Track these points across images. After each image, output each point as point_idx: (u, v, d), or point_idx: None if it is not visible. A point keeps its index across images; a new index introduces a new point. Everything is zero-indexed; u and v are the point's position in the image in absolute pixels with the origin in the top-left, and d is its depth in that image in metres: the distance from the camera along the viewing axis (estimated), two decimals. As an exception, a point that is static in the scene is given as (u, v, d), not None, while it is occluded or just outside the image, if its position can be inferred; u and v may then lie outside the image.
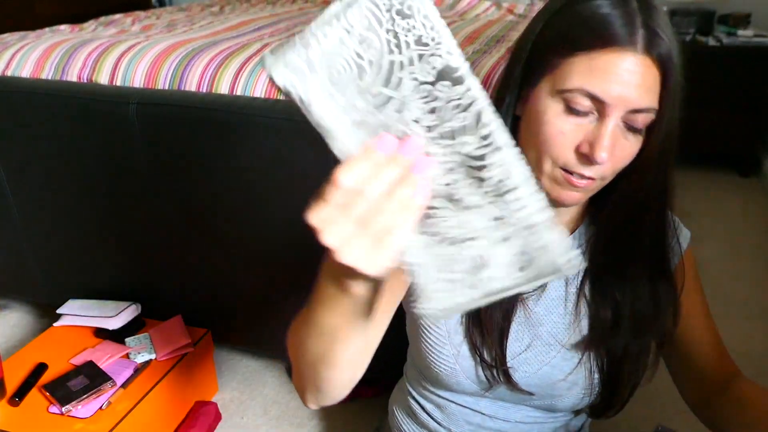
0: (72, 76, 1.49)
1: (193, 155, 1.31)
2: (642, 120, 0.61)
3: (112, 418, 1.23)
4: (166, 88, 1.41)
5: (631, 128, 0.62)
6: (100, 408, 1.25)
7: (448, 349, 0.76)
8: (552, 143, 0.63)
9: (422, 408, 0.88)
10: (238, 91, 1.35)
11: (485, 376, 0.75)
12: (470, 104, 0.41)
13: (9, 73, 1.54)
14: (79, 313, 1.53)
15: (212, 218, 1.37)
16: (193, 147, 1.30)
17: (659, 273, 0.73)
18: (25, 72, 1.53)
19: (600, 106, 0.60)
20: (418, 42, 0.40)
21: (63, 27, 1.99)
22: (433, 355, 0.78)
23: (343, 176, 0.38)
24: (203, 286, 1.49)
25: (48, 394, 1.27)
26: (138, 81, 1.43)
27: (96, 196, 1.45)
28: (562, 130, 0.62)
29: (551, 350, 0.76)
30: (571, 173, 0.64)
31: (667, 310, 0.74)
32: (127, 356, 1.40)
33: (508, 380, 0.74)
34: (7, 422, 1.23)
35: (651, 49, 0.58)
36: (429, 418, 0.86)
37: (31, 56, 1.54)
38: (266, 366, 1.66)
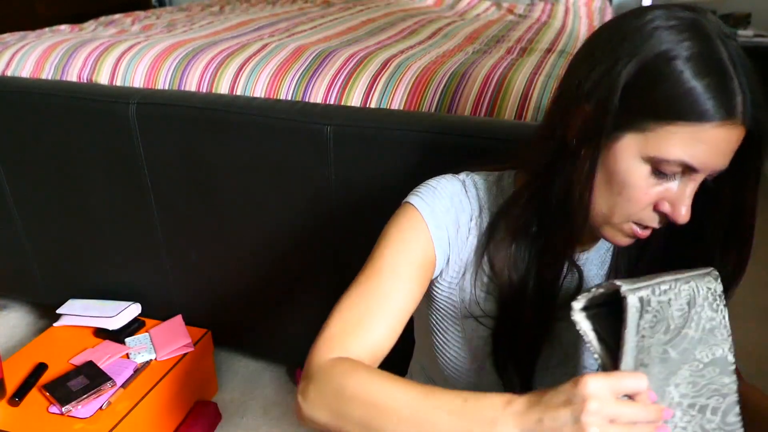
0: (72, 76, 1.49)
1: (193, 155, 1.31)
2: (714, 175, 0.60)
3: (112, 418, 1.23)
4: (166, 88, 1.41)
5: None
6: (100, 408, 1.25)
7: (469, 364, 0.76)
8: (633, 203, 0.60)
9: None
10: (238, 91, 1.35)
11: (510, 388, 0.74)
12: (727, 395, 0.57)
13: (9, 73, 1.54)
14: (79, 313, 1.53)
15: (212, 218, 1.37)
16: (193, 147, 1.30)
17: None
18: (25, 72, 1.53)
19: (690, 170, 0.58)
20: (711, 330, 0.56)
21: (63, 27, 1.99)
22: (451, 368, 0.78)
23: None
24: (203, 286, 1.49)
25: (48, 394, 1.27)
26: (138, 81, 1.43)
27: (96, 196, 1.45)
28: (647, 192, 0.60)
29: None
30: (642, 228, 0.63)
31: None
32: (127, 356, 1.40)
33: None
34: (7, 422, 1.23)
35: (747, 117, 0.57)
36: None
37: (31, 56, 1.54)
38: (266, 366, 1.66)
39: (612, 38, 0.60)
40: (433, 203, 0.70)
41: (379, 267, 0.68)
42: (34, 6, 3.00)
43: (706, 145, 0.56)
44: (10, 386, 1.32)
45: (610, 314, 0.55)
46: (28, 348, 1.46)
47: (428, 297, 0.77)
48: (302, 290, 1.37)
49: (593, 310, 0.56)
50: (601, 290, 0.54)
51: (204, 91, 1.37)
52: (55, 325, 1.54)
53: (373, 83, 1.26)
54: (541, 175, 0.65)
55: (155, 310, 1.56)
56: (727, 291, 0.62)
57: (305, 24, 1.88)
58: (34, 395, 1.30)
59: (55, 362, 1.40)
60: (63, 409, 1.23)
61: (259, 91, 1.33)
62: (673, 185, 0.60)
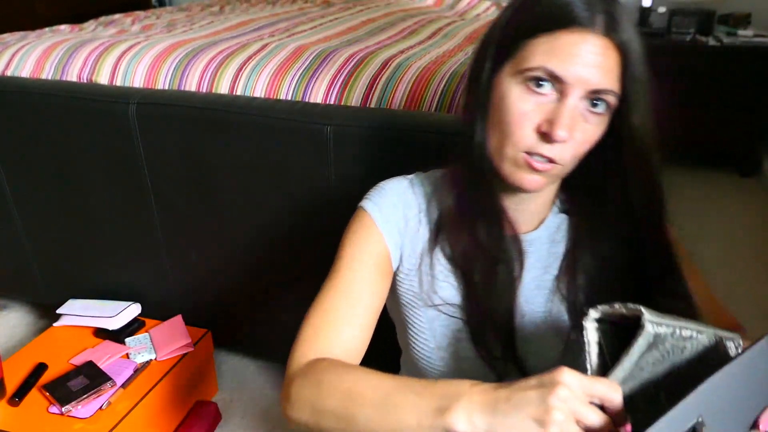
0: (72, 76, 1.49)
1: (193, 155, 1.31)
2: (603, 103, 0.63)
3: (112, 418, 1.23)
4: (166, 88, 1.41)
5: (591, 110, 0.63)
6: (100, 408, 1.25)
7: (440, 353, 0.77)
8: (514, 125, 0.64)
9: None
10: (238, 91, 1.35)
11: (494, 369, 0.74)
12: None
13: (9, 73, 1.54)
14: (79, 313, 1.53)
15: (212, 218, 1.37)
16: (193, 147, 1.30)
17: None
18: (25, 72, 1.53)
19: (560, 86, 0.61)
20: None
21: (63, 27, 1.99)
22: (426, 363, 0.79)
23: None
24: (203, 286, 1.49)
25: (48, 394, 1.27)
26: (138, 81, 1.43)
27: (96, 196, 1.45)
28: (524, 111, 0.63)
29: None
30: (531, 155, 0.64)
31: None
32: (127, 356, 1.40)
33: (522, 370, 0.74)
34: (7, 422, 1.23)
35: (611, 32, 0.61)
36: None
37: (31, 56, 1.54)
38: (266, 366, 1.66)
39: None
40: (380, 202, 0.76)
41: (341, 272, 0.72)
42: (34, 6, 3.00)
43: (564, 51, 0.60)
44: (10, 386, 1.32)
45: (618, 336, 0.54)
46: (28, 348, 1.46)
47: (393, 292, 0.79)
48: (302, 290, 1.37)
49: (605, 325, 0.55)
50: (622, 310, 0.53)
51: (204, 91, 1.37)
52: (55, 325, 1.54)
53: (373, 83, 1.26)
54: (461, 149, 0.71)
55: (155, 310, 1.56)
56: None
57: (305, 24, 1.88)
58: (34, 395, 1.30)
59: (55, 362, 1.40)
60: (63, 409, 1.23)
61: (259, 91, 1.33)
62: (550, 104, 0.63)
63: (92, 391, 1.26)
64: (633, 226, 0.70)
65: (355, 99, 1.26)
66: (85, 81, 1.48)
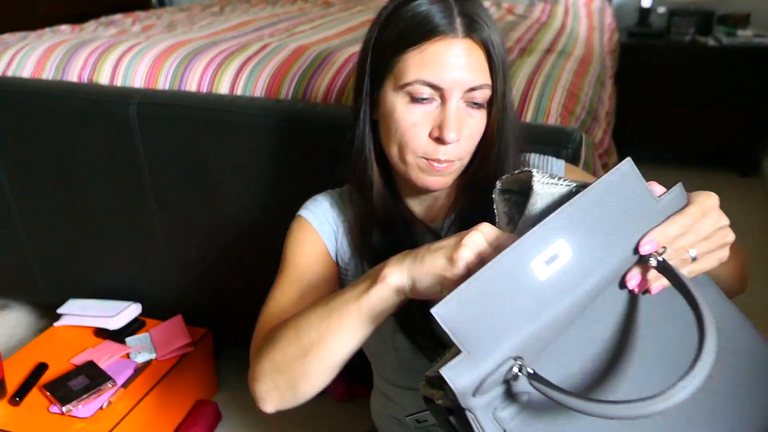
0: (72, 77, 1.49)
1: (193, 155, 1.31)
2: (480, 97, 0.68)
3: (112, 418, 1.23)
4: (166, 88, 1.41)
5: (472, 105, 0.69)
6: (101, 408, 1.25)
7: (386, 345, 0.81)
8: (408, 135, 0.69)
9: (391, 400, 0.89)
10: (238, 91, 1.35)
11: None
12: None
13: (9, 73, 1.54)
14: (79, 313, 1.53)
15: (212, 218, 1.37)
16: (194, 147, 1.30)
17: None
18: (26, 72, 1.53)
19: (440, 92, 0.67)
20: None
21: (63, 27, 1.99)
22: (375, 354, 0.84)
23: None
24: (203, 286, 1.49)
25: (48, 393, 1.28)
26: (138, 81, 1.43)
27: (96, 196, 1.45)
28: (413, 121, 0.68)
29: None
30: (430, 160, 0.70)
31: None
32: (127, 356, 1.40)
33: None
34: (8, 422, 1.23)
35: (471, 32, 0.66)
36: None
37: (32, 56, 1.54)
38: (266, 366, 1.66)
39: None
40: (314, 209, 0.83)
41: (285, 267, 0.78)
42: (35, 6, 3.01)
43: (433, 60, 0.65)
44: (11, 386, 1.32)
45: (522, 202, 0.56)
46: (28, 348, 1.46)
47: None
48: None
49: (515, 196, 0.57)
50: (521, 176, 0.54)
51: (204, 91, 1.38)
52: (55, 324, 1.54)
53: (373, 83, 1.26)
54: (350, 165, 0.77)
55: (155, 310, 1.56)
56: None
57: (305, 24, 1.89)
58: (35, 395, 1.30)
59: (56, 362, 1.40)
60: (63, 408, 1.23)
61: (259, 91, 1.33)
62: (436, 111, 0.68)
63: (92, 391, 1.26)
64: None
65: (355, 99, 1.26)
66: (85, 81, 1.48)
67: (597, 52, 1.73)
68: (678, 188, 0.52)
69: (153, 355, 1.40)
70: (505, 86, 0.70)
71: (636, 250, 0.49)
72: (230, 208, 1.34)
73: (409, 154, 0.70)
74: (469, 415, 0.45)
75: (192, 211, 1.38)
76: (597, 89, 1.43)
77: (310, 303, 0.69)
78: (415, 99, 0.67)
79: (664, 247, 0.49)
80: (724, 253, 0.53)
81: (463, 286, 0.43)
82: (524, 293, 0.45)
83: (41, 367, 1.37)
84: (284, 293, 0.75)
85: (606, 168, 1.24)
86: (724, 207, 0.54)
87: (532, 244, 0.45)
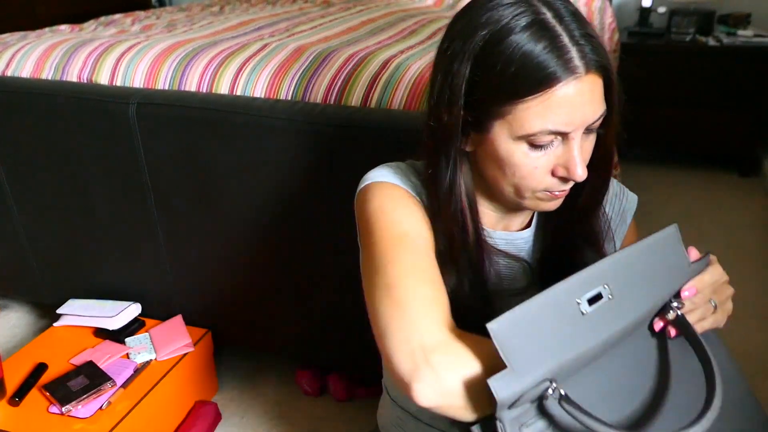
0: (72, 76, 1.49)
1: (193, 155, 1.31)
2: (597, 124, 0.64)
3: (112, 418, 1.23)
4: (166, 88, 1.41)
5: (587, 132, 0.64)
6: (100, 408, 1.25)
7: None
8: (529, 178, 0.65)
9: (408, 413, 0.86)
10: (238, 91, 1.35)
11: None
12: None
13: (9, 73, 1.54)
14: (79, 313, 1.53)
15: (212, 218, 1.37)
16: (193, 147, 1.30)
17: (593, 242, 0.77)
18: (25, 72, 1.53)
19: (563, 134, 0.62)
20: None
21: (63, 27, 1.99)
22: None
23: None
24: (203, 286, 1.49)
25: (48, 394, 1.27)
26: (138, 81, 1.43)
27: (96, 196, 1.45)
28: (535, 165, 0.64)
29: None
30: (552, 191, 0.67)
31: None
32: (127, 356, 1.40)
33: None
34: (7, 422, 1.23)
35: (591, 66, 0.59)
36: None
37: (31, 56, 1.54)
38: (266, 366, 1.66)
39: (444, 43, 0.65)
40: (395, 178, 0.72)
41: (405, 240, 0.65)
42: (34, 6, 3.00)
43: (559, 107, 0.59)
44: (10, 386, 1.32)
45: None
46: (28, 348, 1.46)
47: None
48: (302, 290, 1.37)
49: None
50: None
51: (204, 91, 1.37)
52: (55, 325, 1.54)
53: (373, 83, 1.26)
54: (431, 175, 0.69)
55: (155, 310, 1.56)
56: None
57: (305, 24, 1.88)
58: (34, 395, 1.30)
59: (55, 362, 1.40)
60: (63, 409, 1.23)
61: (259, 91, 1.33)
62: (557, 150, 0.63)
63: (92, 391, 1.26)
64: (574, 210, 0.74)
65: (355, 99, 1.26)
66: (85, 81, 1.48)
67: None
68: (706, 258, 0.63)
69: (153, 356, 1.40)
70: (616, 109, 0.66)
71: (665, 300, 0.59)
72: (230, 208, 1.34)
73: (526, 191, 0.66)
74: (498, 425, 0.49)
75: (192, 210, 1.38)
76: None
77: (442, 304, 0.61)
78: (536, 146, 0.62)
79: (683, 303, 0.59)
80: (730, 305, 0.64)
81: (516, 308, 0.48)
82: (567, 324, 0.51)
83: (41, 368, 1.37)
84: (426, 271, 0.63)
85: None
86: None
87: (581, 283, 0.52)
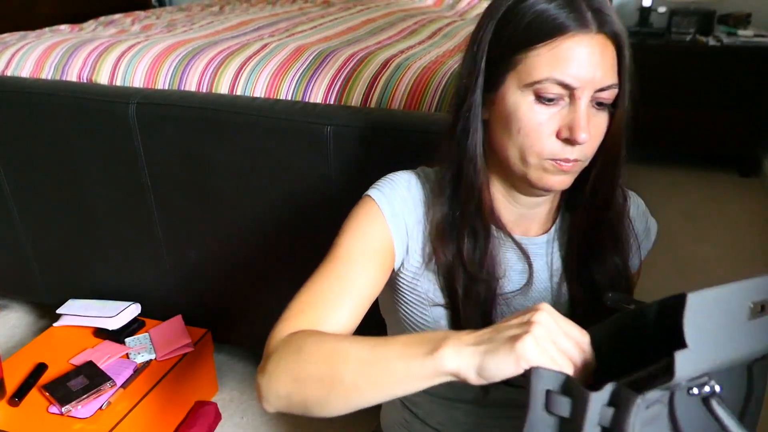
0: (72, 76, 1.49)
1: (193, 155, 1.31)
2: (608, 97, 0.65)
3: (111, 418, 1.23)
4: (166, 88, 1.41)
5: (597, 106, 0.65)
6: (100, 408, 1.25)
7: None
8: (533, 135, 0.65)
9: (415, 415, 0.86)
10: (238, 91, 1.35)
11: None
12: None
13: (9, 73, 1.54)
14: (79, 313, 1.53)
15: (212, 218, 1.37)
16: (193, 147, 1.30)
17: (620, 251, 0.76)
18: (25, 72, 1.53)
19: (569, 91, 0.63)
20: None
21: (63, 27, 1.99)
22: None
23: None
24: (203, 286, 1.49)
25: (48, 394, 1.27)
26: (138, 81, 1.43)
27: (96, 196, 1.45)
28: (539, 121, 0.64)
29: None
30: (557, 160, 0.66)
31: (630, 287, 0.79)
32: (127, 356, 1.40)
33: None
34: (7, 422, 1.23)
35: (603, 27, 0.62)
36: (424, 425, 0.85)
37: (31, 56, 1.54)
38: (266, 366, 1.66)
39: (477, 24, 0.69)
40: (390, 194, 0.73)
41: (338, 255, 0.71)
42: (34, 6, 3.00)
43: (568, 58, 0.61)
44: (10, 386, 1.32)
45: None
46: (28, 348, 1.46)
47: (394, 289, 0.78)
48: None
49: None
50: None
51: (204, 91, 1.37)
52: (55, 325, 1.54)
53: (373, 83, 1.26)
54: (449, 161, 0.72)
55: (155, 310, 1.55)
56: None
57: (305, 24, 1.88)
58: (34, 395, 1.30)
59: (55, 362, 1.40)
60: (63, 409, 1.23)
61: (259, 91, 1.33)
62: (563, 111, 0.64)
63: (92, 391, 1.26)
64: (611, 194, 0.73)
65: (355, 99, 1.26)
66: (85, 81, 1.48)
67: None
68: None
69: (152, 356, 1.40)
70: (628, 90, 0.67)
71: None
72: (230, 208, 1.34)
73: (532, 156, 0.66)
74: (639, 399, 0.47)
75: (191, 210, 1.38)
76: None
77: (347, 307, 0.67)
78: (541, 99, 0.63)
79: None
80: None
81: (710, 290, 0.46)
82: (734, 325, 0.49)
83: (41, 368, 1.37)
84: (322, 287, 0.69)
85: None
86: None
87: (754, 287, 0.49)
